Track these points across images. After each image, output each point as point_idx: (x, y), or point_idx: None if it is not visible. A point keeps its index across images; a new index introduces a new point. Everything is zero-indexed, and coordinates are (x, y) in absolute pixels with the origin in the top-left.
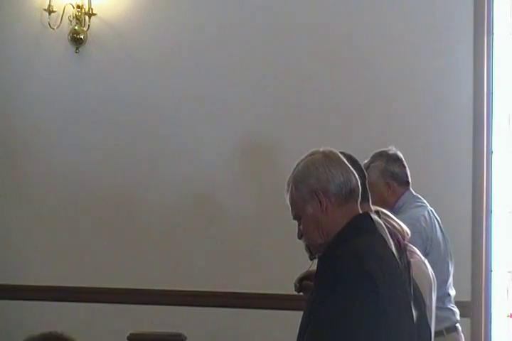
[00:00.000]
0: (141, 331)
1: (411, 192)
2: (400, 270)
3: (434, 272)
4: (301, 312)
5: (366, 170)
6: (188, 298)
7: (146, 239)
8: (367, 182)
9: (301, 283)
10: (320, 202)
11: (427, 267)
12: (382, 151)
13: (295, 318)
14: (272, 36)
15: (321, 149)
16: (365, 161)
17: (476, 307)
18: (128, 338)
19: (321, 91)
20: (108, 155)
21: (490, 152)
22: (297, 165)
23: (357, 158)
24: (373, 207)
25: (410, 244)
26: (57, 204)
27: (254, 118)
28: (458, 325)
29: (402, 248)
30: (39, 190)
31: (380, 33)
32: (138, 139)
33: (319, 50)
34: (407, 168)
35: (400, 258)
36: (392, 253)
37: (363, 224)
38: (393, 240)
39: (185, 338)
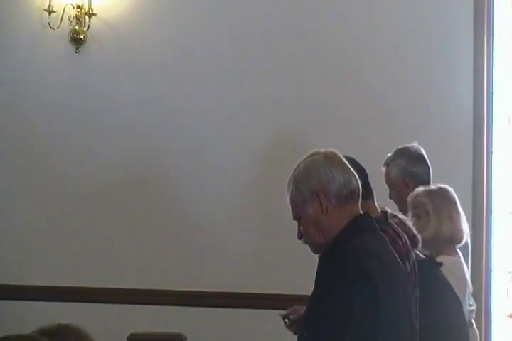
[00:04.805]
0: (141, 331)
1: None
2: (401, 269)
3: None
4: None
5: (387, 166)
6: (188, 298)
7: (146, 239)
8: (386, 179)
9: None
10: (320, 203)
11: None
12: (404, 148)
13: None
14: (277, 36)
15: (321, 150)
16: (389, 155)
17: (475, 307)
18: (128, 338)
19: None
20: (108, 154)
21: (490, 152)
22: (298, 166)
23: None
24: (379, 207)
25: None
26: (57, 204)
27: (254, 118)
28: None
29: (409, 248)
30: (39, 190)
31: (380, 33)
32: (138, 139)
33: (325, 50)
34: (430, 166)
35: (408, 258)
36: (393, 252)
37: (363, 225)
38: (401, 240)
39: (185, 338)
